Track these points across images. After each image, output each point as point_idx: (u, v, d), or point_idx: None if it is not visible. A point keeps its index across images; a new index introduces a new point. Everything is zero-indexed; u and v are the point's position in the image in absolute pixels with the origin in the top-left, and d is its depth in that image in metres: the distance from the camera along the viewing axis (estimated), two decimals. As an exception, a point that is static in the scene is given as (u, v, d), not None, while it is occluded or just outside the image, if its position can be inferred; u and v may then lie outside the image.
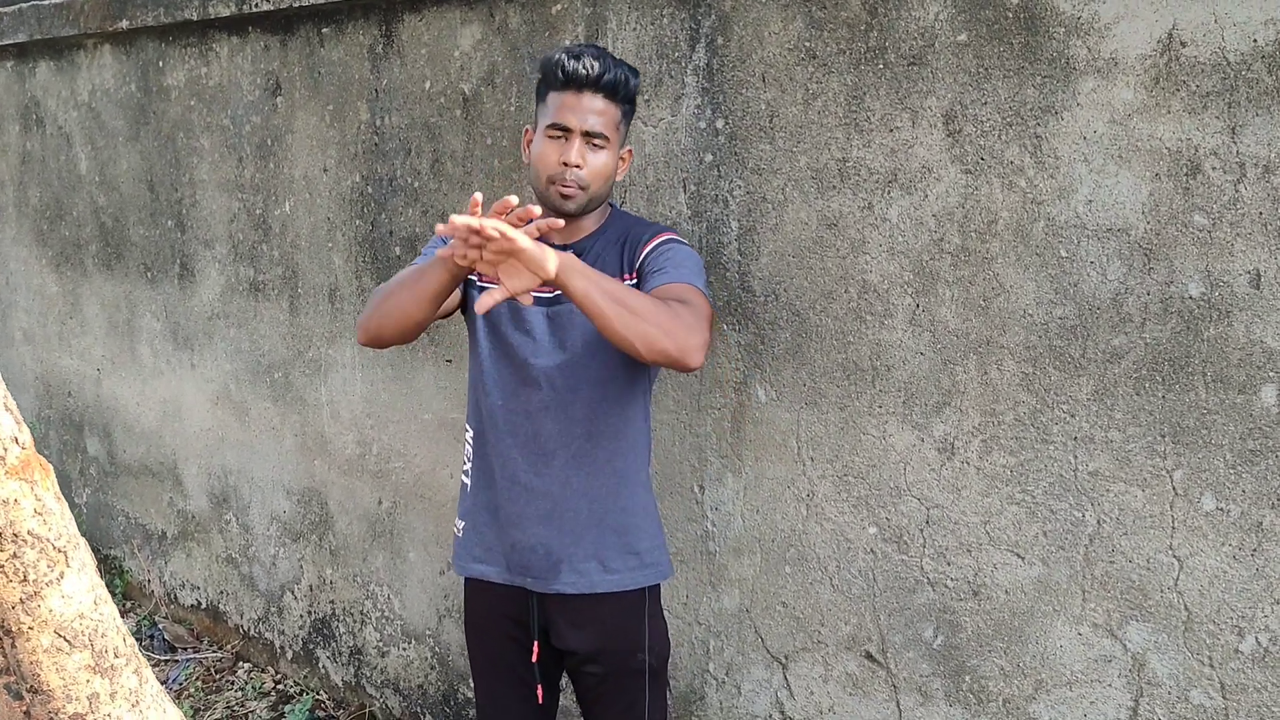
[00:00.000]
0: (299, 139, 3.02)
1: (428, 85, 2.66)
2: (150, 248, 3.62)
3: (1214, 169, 1.63)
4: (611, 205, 2.05)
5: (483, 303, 1.64)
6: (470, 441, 2.06)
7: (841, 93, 1.99)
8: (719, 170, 2.16)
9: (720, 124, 2.15)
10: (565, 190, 1.89)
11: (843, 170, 2.00)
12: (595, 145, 1.89)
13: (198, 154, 3.35)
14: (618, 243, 1.97)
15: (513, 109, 2.48)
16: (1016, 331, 1.84)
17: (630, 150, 2.03)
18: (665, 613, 2.18)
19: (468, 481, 2.07)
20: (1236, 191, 1.62)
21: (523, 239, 1.59)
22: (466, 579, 2.10)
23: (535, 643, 2.02)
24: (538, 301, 1.93)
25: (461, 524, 2.08)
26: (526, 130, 2.01)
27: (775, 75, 2.07)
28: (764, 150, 2.10)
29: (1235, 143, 1.61)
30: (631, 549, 1.99)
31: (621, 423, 1.96)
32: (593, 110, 1.88)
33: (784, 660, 2.23)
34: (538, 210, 1.65)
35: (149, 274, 3.65)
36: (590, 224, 1.99)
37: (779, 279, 2.11)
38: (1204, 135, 1.63)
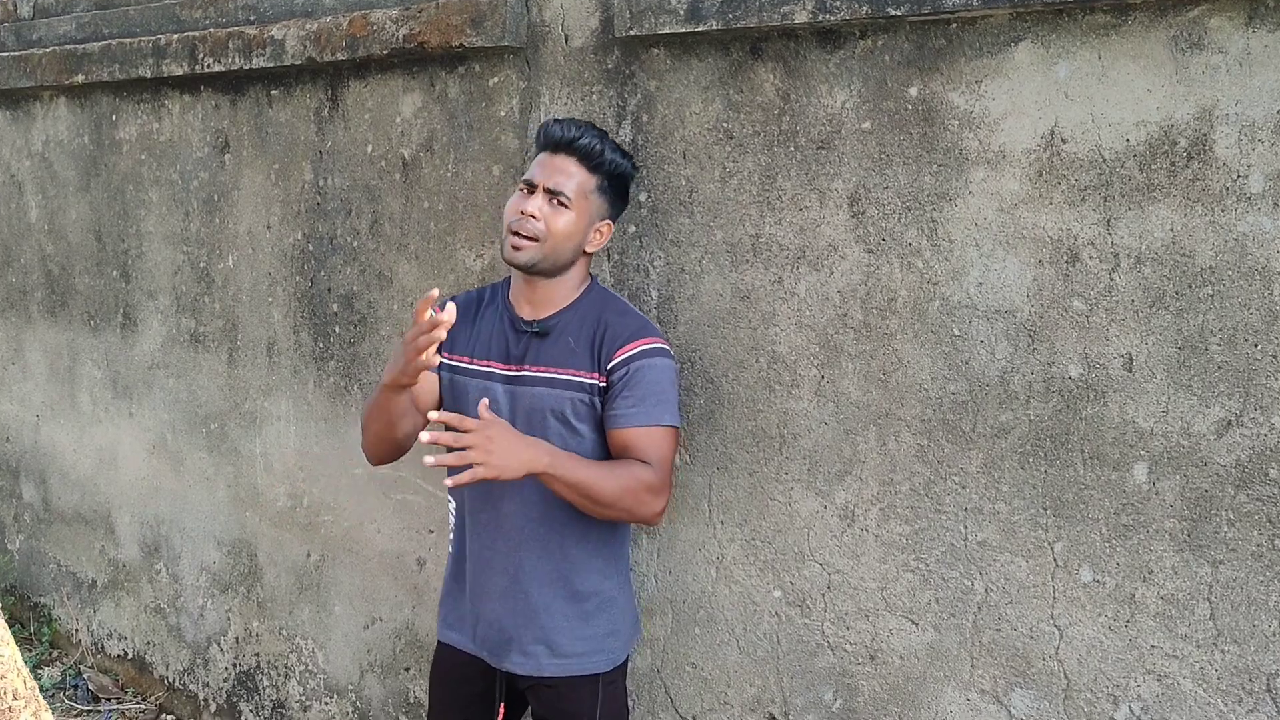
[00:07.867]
0: (245, 195, 3.08)
1: (369, 149, 2.74)
2: (95, 297, 3.65)
3: (1091, 258, 1.73)
4: (592, 278, 2.08)
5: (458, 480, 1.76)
6: (453, 513, 2.13)
7: (756, 172, 2.08)
8: (641, 241, 2.25)
9: (643, 197, 2.24)
10: (516, 241, 1.93)
11: (755, 245, 2.09)
12: (558, 204, 1.93)
13: (146, 206, 3.41)
14: (590, 329, 1.97)
15: (449, 174, 2.57)
16: (913, 405, 1.93)
17: (610, 224, 2.04)
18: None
19: (451, 550, 2.14)
20: (1111, 280, 1.72)
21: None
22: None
23: (502, 705, 2.08)
24: (501, 378, 1.98)
25: (443, 588, 2.16)
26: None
27: (695, 153, 2.16)
28: (683, 224, 2.19)
29: (1110, 234, 1.71)
30: (582, 635, 2.02)
31: (577, 509, 1.92)
32: (561, 170, 1.94)
33: (691, 721, 2.27)
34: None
35: (92, 322, 3.68)
36: (563, 296, 2.01)
37: (695, 347, 2.18)
38: (1082, 226, 1.74)
